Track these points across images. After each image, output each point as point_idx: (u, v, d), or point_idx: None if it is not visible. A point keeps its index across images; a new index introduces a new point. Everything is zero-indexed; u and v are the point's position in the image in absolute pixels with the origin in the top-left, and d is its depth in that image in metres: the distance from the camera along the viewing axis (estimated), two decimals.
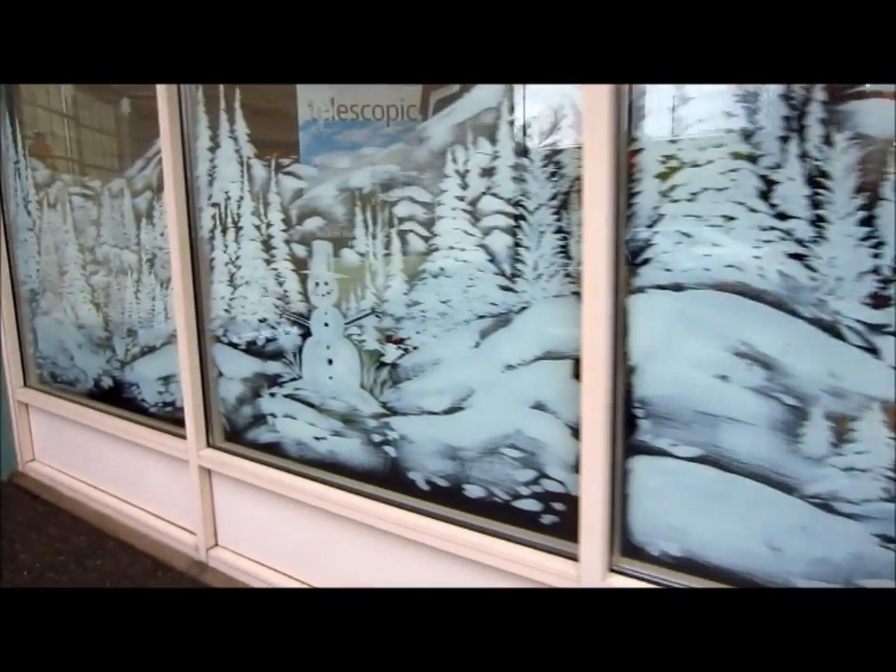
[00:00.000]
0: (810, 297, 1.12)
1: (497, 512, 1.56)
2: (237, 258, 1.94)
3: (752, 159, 1.13)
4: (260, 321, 1.93)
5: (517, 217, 1.40)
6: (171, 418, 2.27)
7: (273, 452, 1.98)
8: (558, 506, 1.48)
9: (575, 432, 1.42)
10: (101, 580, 2.14)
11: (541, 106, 1.32)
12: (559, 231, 1.35)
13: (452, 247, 1.51)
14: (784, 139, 1.09)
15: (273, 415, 1.96)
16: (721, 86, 1.13)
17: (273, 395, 1.95)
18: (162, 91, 1.92)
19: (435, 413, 1.62)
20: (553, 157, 1.33)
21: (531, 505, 1.51)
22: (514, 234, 1.41)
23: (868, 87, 1.01)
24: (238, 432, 2.07)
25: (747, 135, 1.13)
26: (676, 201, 1.21)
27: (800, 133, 1.08)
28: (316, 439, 1.87)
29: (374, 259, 1.64)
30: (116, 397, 2.49)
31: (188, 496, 2.19)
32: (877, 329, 1.07)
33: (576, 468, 1.43)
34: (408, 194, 1.55)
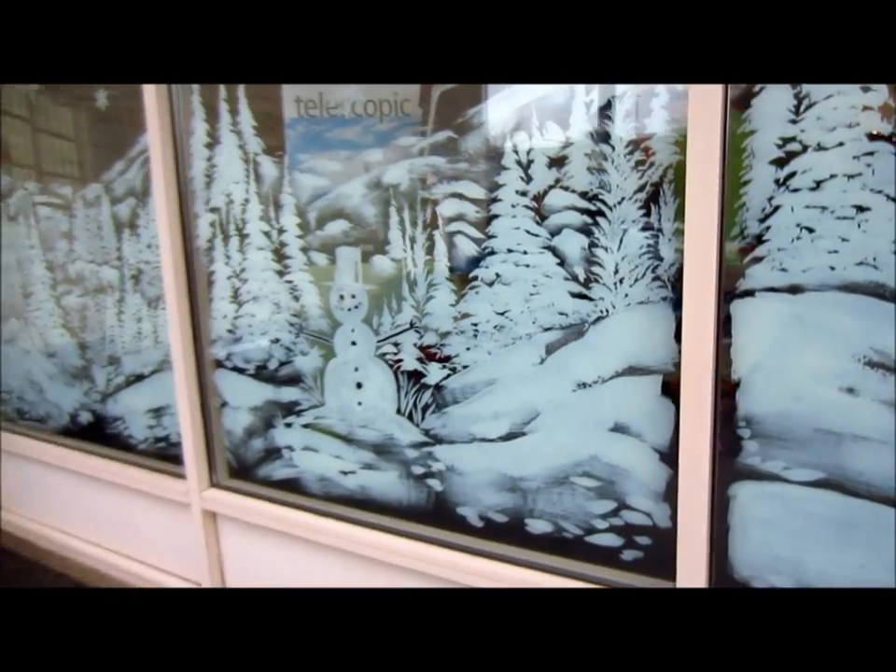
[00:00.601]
0: None
1: (566, 549, 1.38)
2: (242, 270, 1.70)
3: (893, 140, 0.98)
4: (273, 342, 1.69)
5: (594, 214, 1.22)
6: (165, 455, 2.00)
7: (291, 489, 1.75)
8: (643, 540, 1.30)
9: (664, 456, 1.24)
10: None
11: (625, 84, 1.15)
12: (646, 227, 1.18)
13: (511, 250, 1.32)
14: None
15: (291, 448, 1.73)
16: None
17: (289, 425, 1.72)
18: None
19: (490, 440, 1.43)
20: (640, 142, 1.16)
21: (609, 540, 1.33)
22: (590, 233, 1.23)
23: None
24: (247, 469, 1.83)
25: (887, 112, 0.98)
26: (796, 190, 1.05)
27: None
28: (344, 473, 1.64)
29: (413, 265, 1.43)
30: (97, 433, 2.20)
31: (189, 542, 1.93)
32: None
33: (665, 496, 1.25)
34: (455, 190, 1.35)
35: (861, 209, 1.01)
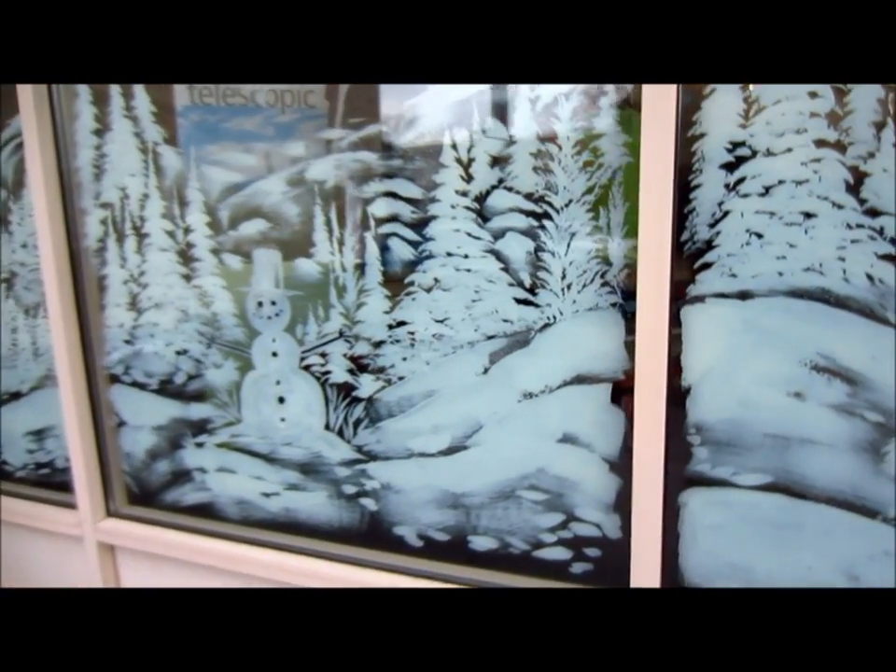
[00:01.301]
0: None
1: (513, 565, 1.32)
2: (141, 273, 1.51)
3: (840, 147, 0.98)
4: (178, 353, 1.52)
5: (540, 216, 1.16)
6: (49, 483, 1.76)
7: (204, 514, 1.58)
8: (592, 552, 1.27)
9: (614, 466, 1.21)
10: None
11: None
12: (595, 231, 1.13)
13: (451, 254, 1.23)
14: (879, 125, 0.95)
15: (203, 470, 1.56)
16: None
17: (199, 445, 1.54)
18: None
19: (429, 455, 1.34)
20: (588, 142, 1.10)
21: (558, 553, 1.29)
22: (536, 237, 1.17)
23: None
24: (150, 494, 1.64)
25: (834, 119, 0.97)
26: (745, 195, 1.03)
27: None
28: (265, 495, 1.50)
29: (342, 270, 1.32)
30: None
31: (82, 581, 1.71)
32: None
33: (616, 507, 1.22)
34: (389, 188, 1.25)
35: (808, 215, 1.01)
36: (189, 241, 1.44)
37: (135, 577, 1.70)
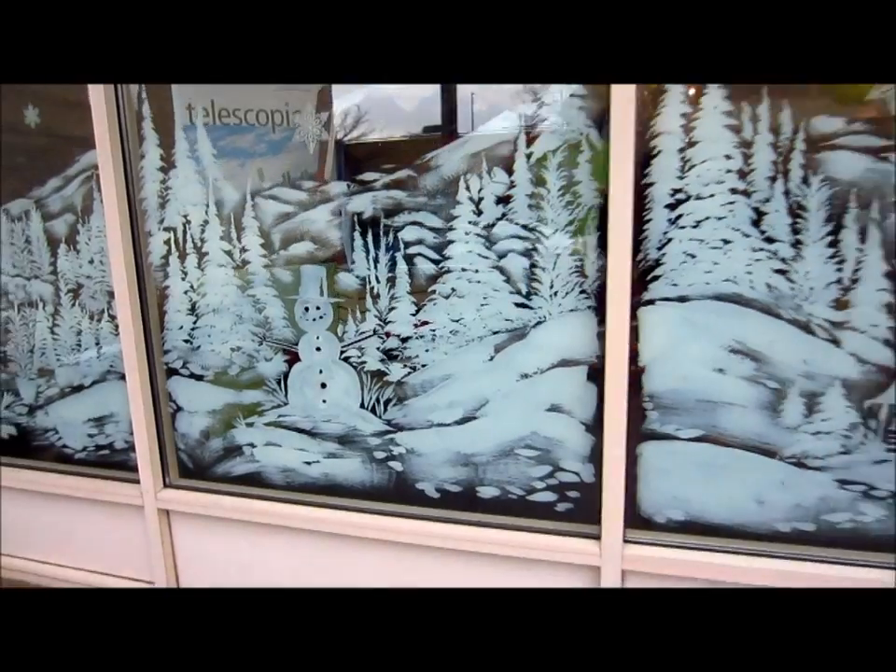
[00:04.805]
0: (790, 303, 1.42)
1: (511, 508, 1.71)
2: (200, 285, 1.83)
3: (747, 194, 1.40)
4: (233, 349, 1.85)
5: (533, 241, 1.55)
6: (108, 463, 2.06)
7: (252, 483, 1.92)
8: (573, 494, 1.67)
9: (589, 428, 1.61)
10: None
11: (558, 142, 1.48)
12: (575, 252, 1.53)
13: (464, 269, 1.61)
14: (772, 178, 1.38)
15: (252, 445, 1.90)
16: (723, 133, 1.38)
17: (250, 424, 1.88)
18: (97, 98, 1.73)
19: (446, 425, 1.72)
20: (570, 187, 1.50)
21: (546, 497, 1.68)
22: (531, 256, 1.56)
23: (838, 140, 1.33)
24: (204, 468, 1.96)
25: (742, 175, 1.39)
26: (682, 227, 1.45)
27: (784, 175, 1.37)
28: (307, 463, 1.85)
29: (377, 282, 1.68)
30: (20, 447, 2.18)
31: (140, 545, 2.02)
32: (839, 325, 1.41)
33: (590, 458, 1.63)
34: (415, 219, 1.62)
35: (726, 241, 1.43)
36: (244, 258, 1.78)
37: (187, 537, 2.02)
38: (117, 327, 1.90)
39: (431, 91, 1.61)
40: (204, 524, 1.97)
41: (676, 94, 1.39)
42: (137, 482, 1.98)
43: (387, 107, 1.70)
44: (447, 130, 1.58)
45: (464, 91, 1.58)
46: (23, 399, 2.15)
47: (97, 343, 1.99)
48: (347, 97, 1.70)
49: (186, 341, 1.89)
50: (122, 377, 1.93)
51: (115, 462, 2.06)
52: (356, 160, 1.68)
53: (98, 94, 1.73)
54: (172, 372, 1.93)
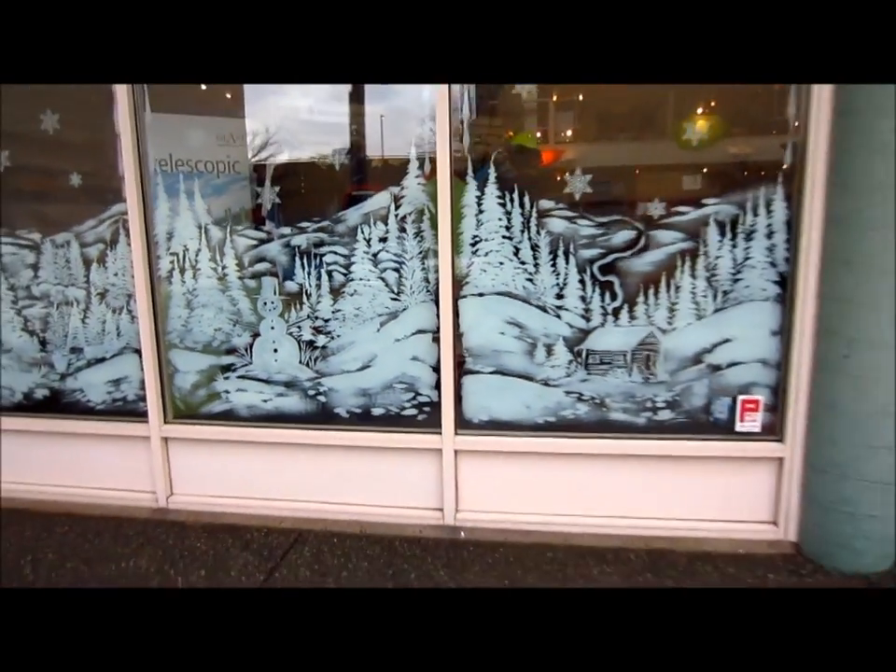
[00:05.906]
0: (535, 296, 2.69)
1: (392, 422, 2.88)
2: (194, 289, 2.89)
3: (510, 238, 2.66)
4: (216, 330, 2.92)
5: (400, 263, 2.75)
6: (122, 411, 3.05)
7: (226, 418, 2.98)
8: (426, 409, 2.87)
9: (434, 369, 2.82)
10: (72, 545, 2.82)
11: (412, 208, 2.69)
12: (423, 268, 2.74)
13: (361, 279, 2.78)
14: (522, 231, 2.65)
15: (227, 391, 2.97)
16: (497, 207, 2.65)
17: (227, 378, 2.96)
18: (129, 165, 2.77)
19: (351, 372, 2.87)
20: (419, 233, 2.71)
21: (411, 412, 2.87)
22: (399, 272, 2.75)
23: (553, 212, 2.63)
24: (192, 409, 3.00)
25: (507, 228, 2.66)
26: (479, 255, 2.69)
27: (528, 229, 2.64)
28: (264, 401, 2.95)
29: (309, 286, 2.82)
30: (53, 404, 3.12)
31: (144, 467, 3.03)
32: (559, 308, 2.69)
33: (435, 386, 2.83)
34: (332, 249, 2.78)
35: (501, 263, 2.69)
36: (225, 273, 2.86)
37: (180, 456, 3.04)
38: (134, 318, 2.92)
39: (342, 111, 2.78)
40: (192, 446, 3.01)
41: (472, 186, 2.64)
42: (146, 421, 2.99)
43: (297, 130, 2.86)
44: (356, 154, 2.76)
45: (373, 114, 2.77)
46: (56, 370, 3.09)
47: (117, 328, 2.99)
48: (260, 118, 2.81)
49: (182, 325, 2.94)
50: (136, 351, 2.96)
51: (127, 410, 3.05)
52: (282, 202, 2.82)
53: (129, 159, 2.77)
54: (172, 346, 2.97)
